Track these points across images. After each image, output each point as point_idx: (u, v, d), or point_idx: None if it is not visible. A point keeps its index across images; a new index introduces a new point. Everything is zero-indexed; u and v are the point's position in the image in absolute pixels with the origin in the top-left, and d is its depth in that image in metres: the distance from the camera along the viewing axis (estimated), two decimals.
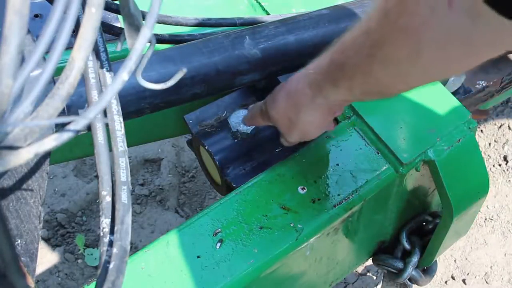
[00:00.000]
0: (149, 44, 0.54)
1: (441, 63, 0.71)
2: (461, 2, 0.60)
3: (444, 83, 1.35)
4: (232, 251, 0.97)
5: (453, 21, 0.62)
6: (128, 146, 0.67)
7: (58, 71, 0.47)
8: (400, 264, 1.26)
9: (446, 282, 2.12)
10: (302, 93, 0.91)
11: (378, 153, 1.10)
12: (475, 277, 2.12)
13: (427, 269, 1.35)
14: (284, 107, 0.96)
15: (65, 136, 0.45)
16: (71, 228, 2.18)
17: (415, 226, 1.26)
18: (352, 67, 0.80)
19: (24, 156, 0.43)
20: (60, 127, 0.66)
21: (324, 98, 0.89)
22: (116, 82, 0.48)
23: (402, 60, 0.72)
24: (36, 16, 1.20)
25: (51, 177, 2.27)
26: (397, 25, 0.68)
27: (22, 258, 0.61)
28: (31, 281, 0.57)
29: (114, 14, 1.21)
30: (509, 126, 2.49)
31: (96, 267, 2.08)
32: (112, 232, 0.62)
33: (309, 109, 0.92)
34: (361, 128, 1.13)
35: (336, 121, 1.15)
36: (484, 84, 1.49)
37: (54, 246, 2.13)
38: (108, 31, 1.07)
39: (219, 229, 0.99)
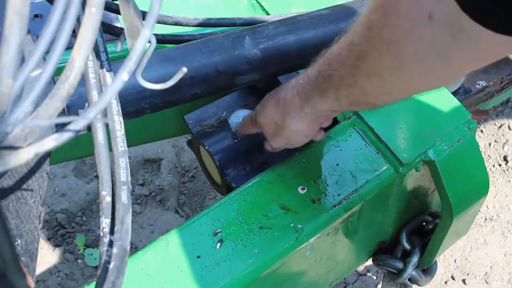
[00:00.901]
0: (149, 44, 0.54)
1: (421, 76, 0.72)
2: (441, 15, 0.60)
3: None
4: (232, 251, 0.97)
5: (433, 34, 0.63)
6: (128, 146, 0.67)
7: (58, 71, 0.47)
8: (400, 264, 1.26)
9: (446, 282, 2.12)
10: (290, 102, 0.93)
11: (378, 153, 1.10)
12: (475, 277, 2.12)
13: (427, 269, 1.35)
14: (271, 113, 0.98)
15: (65, 136, 0.45)
16: (71, 228, 2.18)
17: (415, 226, 1.26)
18: (338, 78, 0.81)
19: (24, 156, 0.43)
20: (60, 127, 0.66)
21: (311, 108, 0.91)
22: (116, 82, 0.48)
23: (384, 72, 0.73)
24: (36, 16, 1.20)
25: (51, 177, 2.27)
26: (380, 38, 0.69)
27: (22, 258, 0.61)
28: (31, 281, 0.57)
29: (114, 14, 1.21)
30: (509, 126, 2.49)
31: (96, 267, 2.08)
32: (112, 232, 0.62)
33: (296, 117, 0.94)
34: (361, 128, 1.13)
35: (336, 121, 1.15)
36: (484, 84, 1.49)
37: (54, 246, 2.13)
38: (108, 31, 1.07)
39: (219, 229, 0.99)
